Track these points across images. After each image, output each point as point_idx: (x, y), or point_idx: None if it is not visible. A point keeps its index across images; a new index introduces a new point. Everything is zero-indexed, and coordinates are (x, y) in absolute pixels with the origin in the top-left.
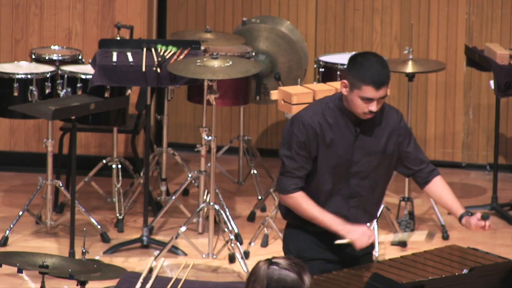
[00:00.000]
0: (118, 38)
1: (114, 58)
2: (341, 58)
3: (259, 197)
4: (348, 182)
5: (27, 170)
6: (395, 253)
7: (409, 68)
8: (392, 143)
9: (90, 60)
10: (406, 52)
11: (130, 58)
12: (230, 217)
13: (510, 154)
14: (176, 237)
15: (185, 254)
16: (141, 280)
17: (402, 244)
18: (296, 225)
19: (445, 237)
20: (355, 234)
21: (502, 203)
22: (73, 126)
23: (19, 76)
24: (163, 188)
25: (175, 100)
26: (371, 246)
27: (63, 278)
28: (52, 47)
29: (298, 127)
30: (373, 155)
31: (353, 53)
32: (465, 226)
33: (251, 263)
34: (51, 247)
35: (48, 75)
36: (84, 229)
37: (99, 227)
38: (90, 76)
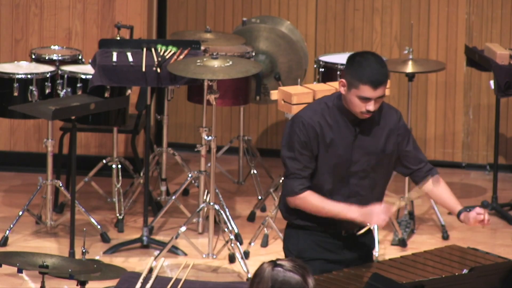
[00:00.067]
0: (118, 38)
1: (114, 58)
2: (341, 58)
3: (259, 197)
4: (347, 182)
5: (27, 170)
6: (395, 253)
7: (409, 68)
8: (391, 143)
9: (90, 60)
10: (406, 52)
11: (130, 58)
12: (230, 217)
13: (510, 154)
14: (176, 237)
15: (185, 254)
16: (141, 280)
17: (402, 244)
18: (297, 225)
19: (445, 237)
20: (371, 217)
21: (502, 203)
22: (73, 126)
23: (19, 76)
24: (163, 188)
25: (175, 100)
26: (371, 246)
27: (63, 278)
28: (52, 47)
29: (298, 127)
30: (372, 154)
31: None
32: (464, 222)
33: (251, 263)
34: (51, 247)
35: (48, 75)
36: (84, 229)
37: (99, 227)
38: (90, 76)
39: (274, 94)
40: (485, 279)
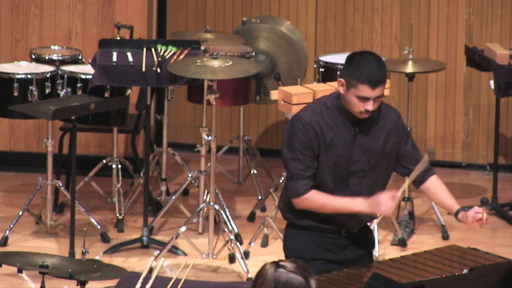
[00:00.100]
0: (118, 38)
1: (114, 58)
2: (341, 58)
3: (259, 197)
4: (347, 182)
5: (27, 170)
6: (395, 253)
7: (409, 68)
8: (390, 142)
9: (90, 60)
10: (406, 52)
11: (130, 58)
12: (230, 217)
13: (510, 154)
14: (176, 237)
15: (185, 254)
16: (141, 280)
17: (402, 244)
18: (297, 225)
19: (445, 237)
20: (379, 206)
21: (502, 203)
22: (73, 126)
23: (19, 76)
24: (163, 188)
25: (175, 100)
26: (371, 246)
27: (63, 278)
28: (52, 47)
29: (298, 128)
30: (371, 154)
31: None
32: (462, 221)
33: (251, 263)
34: (51, 247)
35: (48, 75)
36: (84, 229)
37: (99, 227)
38: (90, 76)
39: (274, 94)
40: (485, 279)
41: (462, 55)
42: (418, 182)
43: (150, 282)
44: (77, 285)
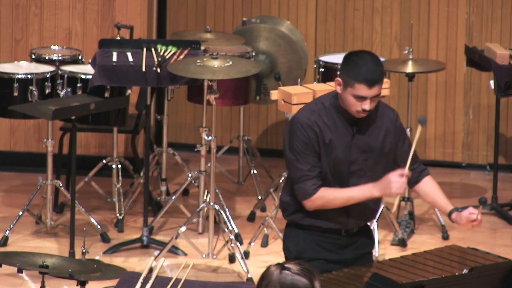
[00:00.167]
0: (118, 38)
1: (114, 58)
2: (341, 58)
3: (259, 197)
4: (347, 182)
5: (27, 170)
6: (395, 253)
7: (409, 68)
8: (388, 142)
9: (90, 60)
10: (406, 52)
11: (130, 58)
12: (230, 217)
13: (510, 154)
14: (176, 237)
15: (185, 254)
16: (141, 280)
17: (402, 244)
18: (297, 225)
19: (445, 237)
20: (390, 188)
21: (502, 203)
22: (73, 126)
23: (19, 76)
24: (163, 188)
25: (175, 100)
26: (371, 246)
27: (63, 278)
28: (52, 47)
29: (298, 129)
30: (370, 153)
31: None
32: (455, 222)
33: (251, 263)
34: (51, 247)
35: (48, 75)
36: (84, 229)
37: (99, 227)
38: (90, 76)
39: (274, 94)
40: (485, 279)
41: (462, 55)
42: (413, 182)
43: (150, 282)
44: (77, 285)
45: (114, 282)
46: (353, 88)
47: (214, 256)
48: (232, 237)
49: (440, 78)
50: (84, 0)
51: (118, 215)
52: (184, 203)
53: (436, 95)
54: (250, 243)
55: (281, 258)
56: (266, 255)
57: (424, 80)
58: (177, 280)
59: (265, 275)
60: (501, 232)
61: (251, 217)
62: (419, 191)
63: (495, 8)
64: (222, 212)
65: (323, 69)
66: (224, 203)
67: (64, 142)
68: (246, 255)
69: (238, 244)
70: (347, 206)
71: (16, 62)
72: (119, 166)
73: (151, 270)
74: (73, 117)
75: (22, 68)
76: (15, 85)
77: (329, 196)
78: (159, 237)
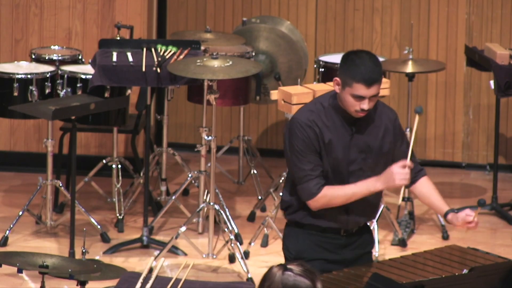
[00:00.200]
0: (118, 38)
1: (114, 58)
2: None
3: (259, 197)
4: (346, 181)
5: (27, 170)
6: (395, 253)
7: (409, 68)
8: (387, 142)
9: (90, 60)
10: (406, 52)
11: (130, 58)
12: (230, 217)
13: (510, 154)
14: (176, 237)
15: (185, 254)
16: (141, 280)
17: (402, 244)
18: (297, 224)
19: (445, 237)
20: (394, 179)
21: (502, 203)
22: (73, 126)
23: (19, 76)
24: (163, 188)
25: (175, 100)
26: (370, 246)
27: (63, 278)
28: (52, 47)
29: (298, 129)
30: (369, 153)
31: None
32: (451, 222)
33: (251, 263)
34: (51, 247)
35: (48, 75)
36: (84, 229)
37: (99, 227)
38: (90, 76)
39: (274, 94)
40: (485, 279)
41: (462, 55)
42: (410, 183)
43: (150, 282)
44: (77, 285)
45: (114, 282)
46: (352, 88)
47: (214, 256)
48: (232, 237)
49: (440, 78)
50: (84, 0)
51: (118, 215)
52: (184, 203)
53: (436, 95)
54: (250, 243)
55: (281, 258)
56: (266, 255)
57: (424, 80)
58: (177, 280)
59: (267, 276)
60: (501, 232)
61: (251, 217)
62: (416, 191)
63: (495, 8)
64: (222, 212)
65: (323, 69)
66: (224, 203)
67: (64, 142)
68: (246, 255)
69: (238, 244)
70: (347, 205)
71: (16, 62)
72: (119, 166)
73: (151, 270)
74: (73, 117)
75: (22, 68)
76: (15, 85)
77: (333, 194)
78: (159, 237)
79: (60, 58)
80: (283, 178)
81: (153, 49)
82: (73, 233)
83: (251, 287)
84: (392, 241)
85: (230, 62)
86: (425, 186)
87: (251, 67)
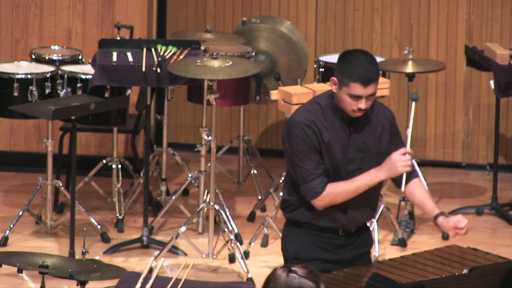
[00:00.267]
0: (118, 38)
1: (114, 58)
2: None
3: (259, 197)
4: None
5: (27, 170)
6: (395, 253)
7: (409, 68)
8: (385, 141)
9: (90, 60)
10: (406, 52)
11: (130, 58)
12: (230, 217)
13: (510, 154)
14: (176, 237)
15: (185, 254)
16: (141, 280)
17: (402, 244)
18: (296, 223)
19: (445, 237)
20: (395, 168)
21: (502, 203)
22: (73, 126)
23: (19, 76)
24: (163, 188)
25: (175, 100)
26: (369, 245)
27: (63, 278)
28: (52, 47)
29: (297, 129)
30: (367, 153)
31: None
32: (440, 225)
33: (251, 263)
34: (51, 247)
35: (48, 75)
36: (84, 229)
37: (99, 227)
38: (90, 76)
39: (274, 94)
40: (485, 279)
41: (462, 55)
42: (400, 183)
43: (150, 282)
44: (77, 285)
45: (114, 282)
46: (349, 87)
47: (214, 256)
48: (232, 237)
49: (440, 78)
50: (84, 0)
51: (118, 215)
52: (184, 203)
53: (436, 95)
54: (250, 243)
55: (281, 258)
56: (266, 255)
57: (424, 80)
58: (177, 280)
59: (272, 278)
60: (501, 232)
61: (251, 217)
62: (407, 192)
63: (495, 8)
64: (222, 212)
65: (323, 69)
66: (224, 203)
67: (64, 142)
68: (246, 255)
69: (238, 244)
70: (346, 205)
71: (16, 62)
72: (119, 166)
73: (151, 270)
74: (73, 117)
75: (22, 68)
76: (15, 85)
77: (337, 190)
78: (159, 237)
79: (60, 58)
80: (283, 178)
81: (153, 49)
82: (73, 233)
83: (251, 287)
84: (392, 241)
85: (230, 62)
86: (416, 188)
87: (251, 67)
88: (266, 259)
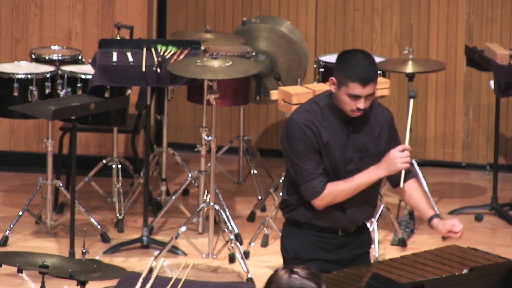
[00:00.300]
0: (118, 38)
1: (114, 58)
2: None
3: (259, 197)
4: None
5: (27, 170)
6: (395, 253)
7: (409, 68)
8: (383, 141)
9: (90, 60)
10: (406, 52)
11: (130, 58)
12: (230, 217)
13: (510, 154)
14: (176, 237)
15: (185, 254)
16: (141, 280)
17: (402, 244)
18: (295, 222)
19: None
20: (395, 164)
21: (502, 203)
22: (73, 126)
23: (19, 76)
24: (163, 188)
25: (175, 100)
26: (368, 245)
27: (63, 278)
28: (52, 47)
29: (296, 129)
30: (365, 153)
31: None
32: (434, 227)
33: (251, 263)
34: (51, 247)
35: (48, 75)
36: (84, 229)
37: (99, 227)
38: (90, 76)
39: (274, 94)
40: (485, 279)
41: (462, 55)
42: (397, 183)
43: (150, 282)
44: (77, 285)
45: (114, 282)
46: (347, 87)
47: (214, 256)
48: (232, 237)
49: (440, 78)
50: (84, 0)
51: (118, 215)
52: (184, 203)
53: (436, 95)
54: (250, 243)
55: (281, 258)
56: (266, 255)
57: (424, 80)
58: (177, 280)
59: (274, 279)
60: (501, 232)
61: (251, 217)
62: (402, 192)
63: (495, 8)
64: (222, 212)
65: (323, 69)
66: (224, 203)
67: (64, 142)
68: (246, 255)
69: (238, 244)
70: (345, 205)
71: (16, 62)
72: (119, 166)
73: (151, 270)
74: (73, 117)
75: (22, 68)
76: (15, 85)
77: (337, 190)
78: (159, 237)
79: (60, 58)
80: (283, 178)
81: (153, 49)
82: (73, 233)
83: (251, 287)
84: (392, 241)
85: (230, 62)
86: (412, 188)
87: (251, 67)
88: (266, 259)
